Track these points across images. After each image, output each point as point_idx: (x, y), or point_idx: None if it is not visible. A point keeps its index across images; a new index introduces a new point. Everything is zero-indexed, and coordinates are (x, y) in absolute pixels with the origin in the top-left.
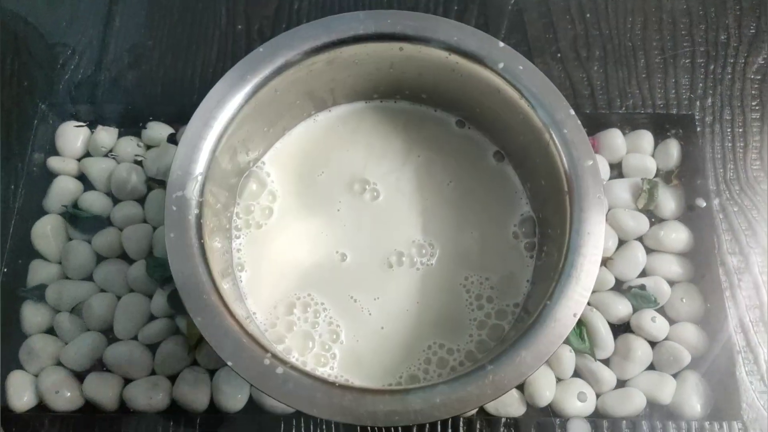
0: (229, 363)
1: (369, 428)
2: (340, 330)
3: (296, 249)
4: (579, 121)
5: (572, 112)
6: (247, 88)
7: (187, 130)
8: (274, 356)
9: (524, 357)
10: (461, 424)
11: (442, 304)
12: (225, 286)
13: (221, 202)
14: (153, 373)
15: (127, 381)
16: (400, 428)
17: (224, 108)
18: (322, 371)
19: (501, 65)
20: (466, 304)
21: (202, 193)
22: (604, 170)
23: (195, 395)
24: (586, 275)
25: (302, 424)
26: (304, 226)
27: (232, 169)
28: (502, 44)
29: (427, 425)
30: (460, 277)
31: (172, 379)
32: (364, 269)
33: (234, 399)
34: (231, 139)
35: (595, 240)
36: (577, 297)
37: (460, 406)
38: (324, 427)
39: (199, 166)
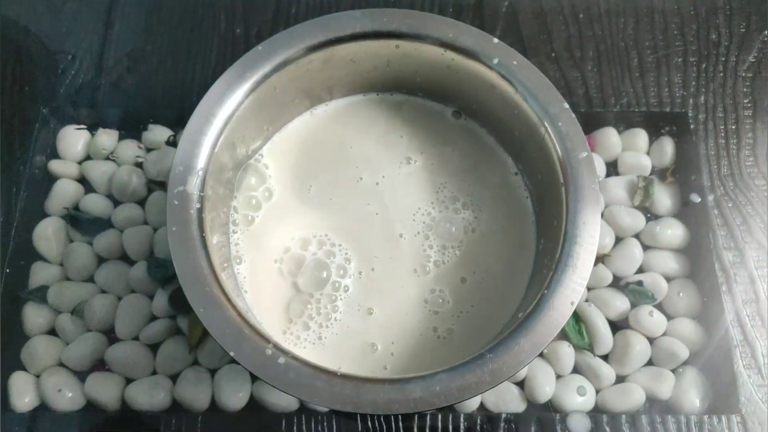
0: (232, 353)
1: (368, 421)
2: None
3: (293, 241)
4: (573, 115)
5: (566, 105)
6: (247, 86)
7: (188, 126)
8: (276, 347)
9: (522, 345)
10: (462, 420)
11: (443, 295)
12: (224, 278)
13: (220, 196)
14: (154, 372)
15: (129, 381)
16: (401, 425)
17: (224, 105)
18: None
19: (495, 61)
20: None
21: (202, 187)
22: (600, 168)
23: (196, 394)
24: (582, 264)
25: (303, 421)
26: (301, 218)
27: (231, 163)
28: (496, 40)
29: (428, 419)
30: (464, 268)
31: (174, 378)
32: (360, 261)
33: (235, 397)
34: (231, 136)
35: (591, 230)
36: (573, 285)
37: (460, 394)
38: (325, 423)
39: (200, 162)
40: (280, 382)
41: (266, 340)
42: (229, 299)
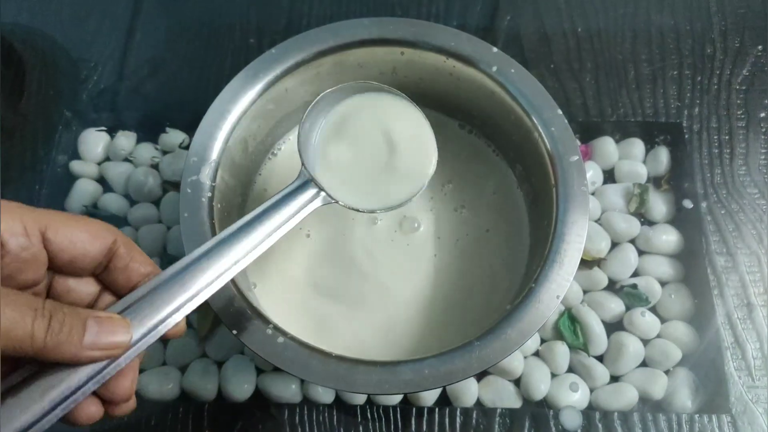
0: (234, 332)
1: (367, 412)
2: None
3: (301, 238)
4: (565, 120)
5: (559, 111)
6: (260, 86)
7: (203, 121)
8: (276, 327)
9: (509, 334)
10: (458, 413)
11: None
12: None
13: (232, 188)
14: (164, 363)
15: (140, 371)
16: (399, 416)
17: (238, 103)
18: None
19: (494, 68)
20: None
21: (214, 178)
22: (598, 176)
23: (204, 385)
24: (569, 260)
25: (305, 412)
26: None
27: (242, 157)
28: (495, 50)
29: (426, 412)
30: (466, 267)
31: (183, 369)
32: (367, 260)
33: (240, 389)
34: (243, 132)
35: (578, 228)
36: (560, 280)
37: (448, 378)
38: (326, 414)
39: (213, 154)
40: (279, 360)
41: (267, 321)
42: (234, 281)
